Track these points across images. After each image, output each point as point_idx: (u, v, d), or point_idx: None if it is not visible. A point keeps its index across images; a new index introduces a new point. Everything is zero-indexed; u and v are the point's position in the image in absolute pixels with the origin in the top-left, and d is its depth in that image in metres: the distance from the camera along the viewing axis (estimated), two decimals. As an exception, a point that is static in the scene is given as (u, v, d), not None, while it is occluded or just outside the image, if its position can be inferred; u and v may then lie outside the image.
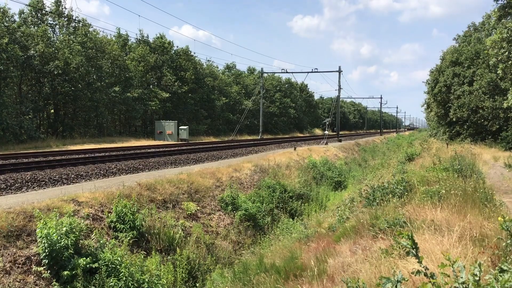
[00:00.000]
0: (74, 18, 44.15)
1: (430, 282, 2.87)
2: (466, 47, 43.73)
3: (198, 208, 15.14)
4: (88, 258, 8.73)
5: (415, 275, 2.98)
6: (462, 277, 2.80)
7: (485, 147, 34.21)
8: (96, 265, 8.81)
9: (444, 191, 9.29)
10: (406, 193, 10.55)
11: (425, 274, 2.94)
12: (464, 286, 2.80)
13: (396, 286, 3.06)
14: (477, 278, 2.78)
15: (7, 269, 8.15)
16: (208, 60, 71.48)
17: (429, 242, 5.76)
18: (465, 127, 41.30)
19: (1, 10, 34.88)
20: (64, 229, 8.79)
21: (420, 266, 3.01)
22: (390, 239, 6.77)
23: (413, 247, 3.08)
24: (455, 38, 53.68)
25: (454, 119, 41.69)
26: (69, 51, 39.12)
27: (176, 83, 53.42)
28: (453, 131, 43.26)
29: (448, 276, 2.87)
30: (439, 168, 14.84)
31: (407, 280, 3.16)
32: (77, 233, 9.09)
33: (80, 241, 9.32)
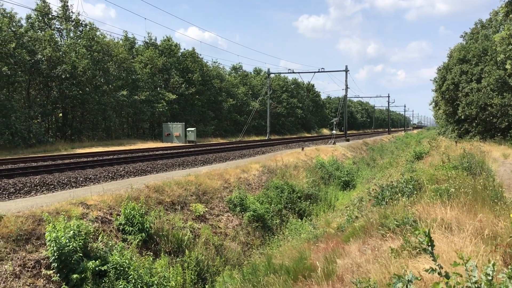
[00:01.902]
0: (81, 22, 44.39)
1: (443, 281, 2.82)
2: (473, 44, 43.47)
3: (206, 209, 15.13)
4: (97, 261, 8.74)
5: (429, 273, 2.93)
6: (474, 276, 2.75)
7: (494, 144, 33.95)
8: (105, 267, 8.82)
9: (453, 190, 9.21)
10: (415, 192, 10.48)
11: (439, 273, 2.89)
12: (476, 286, 2.75)
13: (407, 286, 3.01)
14: (490, 278, 2.72)
15: (17, 273, 8.17)
16: (215, 62, 71.52)
17: (440, 241, 5.70)
18: (474, 124, 41.03)
19: (8, 15, 35.11)
20: (72, 232, 8.80)
21: (435, 264, 2.95)
22: (400, 239, 6.71)
23: (429, 244, 3.02)
24: (462, 35, 53.42)
25: (462, 117, 41.44)
26: (75, 55, 39.30)
27: (183, 85, 53.50)
28: (461, 129, 43.00)
29: (461, 276, 2.82)
30: (448, 166, 14.74)
31: (419, 279, 3.10)
32: (85, 236, 9.10)
33: (89, 244, 9.32)
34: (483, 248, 5.25)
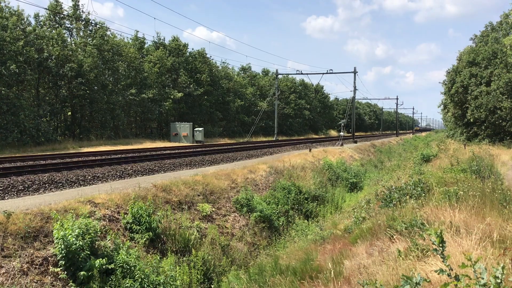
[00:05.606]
0: (91, 21, 44.61)
1: (452, 282, 2.80)
2: (483, 47, 43.24)
3: (213, 209, 15.14)
4: (104, 259, 8.76)
5: (438, 274, 2.91)
6: (483, 278, 2.73)
7: (503, 148, 33.70)
8: (112, 266, 8.84)
9: (462, 193, 9.17)
10: (424, 195, 10.44)
11: (448, 275, 2.87)
12: (485, 288, 2.73)
13: (414, 289, 2.99)
14: (499, 281, 2.70)
15: (25, 269, 8.22)
16: (223, 62, 71.46)
17: (448, 244, 5.66)
18: (483, 128, 40.79)
19: (16, 13, 35.30)
20: (79, 230, 8.83)
21: (445, 265, 2.93)
22: (407, 241, 6.69)
23: (440, 245, 3.00)
24: (472, 38, 53.17)
25: (471, 120, 41.23)
26: (82, 54, 39.41)
27: (191, 85, 53.58)
28: (470, 132, 42.77)
29: (470, 278, 2.80)
30: (457, 169, 14.67)
31: (428, 281, 3.09)
32: (93, 234, 9.13)
33: (96, 242, 9.36)
34: (491, 252, 5.22)
